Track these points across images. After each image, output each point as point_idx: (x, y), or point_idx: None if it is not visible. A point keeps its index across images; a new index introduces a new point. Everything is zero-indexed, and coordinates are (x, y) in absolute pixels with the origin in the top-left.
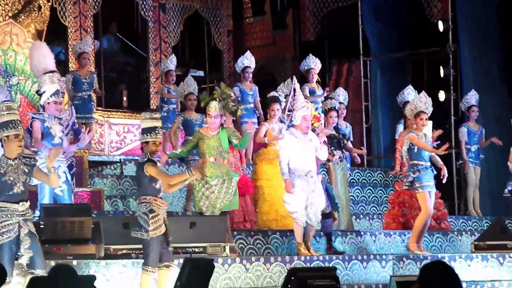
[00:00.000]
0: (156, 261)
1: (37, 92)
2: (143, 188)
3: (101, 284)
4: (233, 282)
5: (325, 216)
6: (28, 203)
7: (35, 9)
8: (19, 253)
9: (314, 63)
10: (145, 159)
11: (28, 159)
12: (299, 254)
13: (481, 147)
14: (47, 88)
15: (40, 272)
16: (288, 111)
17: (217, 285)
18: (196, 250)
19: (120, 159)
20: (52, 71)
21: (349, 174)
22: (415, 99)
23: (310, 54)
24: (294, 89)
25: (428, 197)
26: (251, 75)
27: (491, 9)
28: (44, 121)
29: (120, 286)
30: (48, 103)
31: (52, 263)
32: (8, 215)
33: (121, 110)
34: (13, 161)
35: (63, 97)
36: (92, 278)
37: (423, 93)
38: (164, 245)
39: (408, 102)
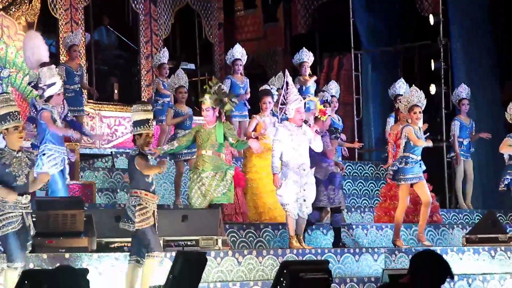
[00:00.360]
0: (158, 245)
1: (29, 83)
2: (135, 182)
3: (94, 277)
4: (225, 275)
5: (335, 210)
6: (30, 196)
7: (25, 1)
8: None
9: (307, 57)
10: (136, 152)
11: (29, 153)
12: (291, 247)
13: (471, 140)
14: (55, 80)
15: (20, 265)
16: (281, 104)
17: (209, 278)
18: (189, 243)
19: (111, 152)
20: (45, 63)
21: (350, 166)
22: (407, 93)
23: (304, 48)
24: (287, 82)
25: (407, 189)
26: (241, 68)
27: (482, 2)
28: (51, 112)
29: (113, 279)
30: (58, 94)
31: (44, 256)
32: (12, 207)
33: (112, 103)
34: (17, 153)
35: None
36: (85, 271)
37: (414, 87)
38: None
39: (399, 95)
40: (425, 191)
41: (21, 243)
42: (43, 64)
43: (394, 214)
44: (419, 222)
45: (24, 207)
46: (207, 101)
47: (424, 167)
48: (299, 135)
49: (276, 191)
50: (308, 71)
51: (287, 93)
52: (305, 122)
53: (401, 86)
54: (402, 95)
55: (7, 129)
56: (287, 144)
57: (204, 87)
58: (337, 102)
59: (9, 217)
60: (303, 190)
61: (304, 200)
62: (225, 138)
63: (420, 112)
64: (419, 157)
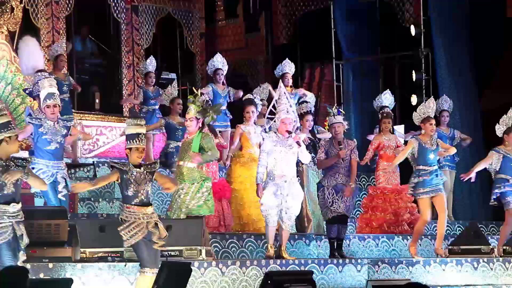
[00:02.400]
0: (148, 261)
1: (24, 90)
2: (122, 196)
3: (77, 287)
4: (209, 285)
5: (342, 220)
6: (20, 205)
7: (7, 10)
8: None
9: (289, 68)
10: (111, 166)
11: (20, 161)
12: (266, 254)
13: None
14: (41, 93)
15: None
16: (269, 114)
17: None
18: (172, 253)
19: (93, 162)
20: (42, 70)
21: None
22: (424, 105)
23: (287, 59)
24: (280, 93)
25: (427, 203)
26: (222, 77)
27: (462, 13)
28: (40, 126)
29: None
30: (44, 107)
31: (28, 266)
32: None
33: (93, 112)
34: (4, 162)
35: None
36: (69, 281)
37: (431, 99)
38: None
39: (385, 106)
40: (442, 206)
41: (11, 254)
42: (38, 71)
43: (375, 225)
44: (437, 238)
45: (13, 216)
46: (191, 111)
47: (444, 178)
48: (284, 146)
49: (259, 200)
50: (290, 82)
51: (278, 103)
52: (289, 132)
53: (386, 98)
54: (387, 106)
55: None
56: (271, 155)
57: (189, 97)
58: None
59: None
60: (285, 201)
61: (286, 213)
62: (202, 148)
63: (434, 124)
64: (435, 167)
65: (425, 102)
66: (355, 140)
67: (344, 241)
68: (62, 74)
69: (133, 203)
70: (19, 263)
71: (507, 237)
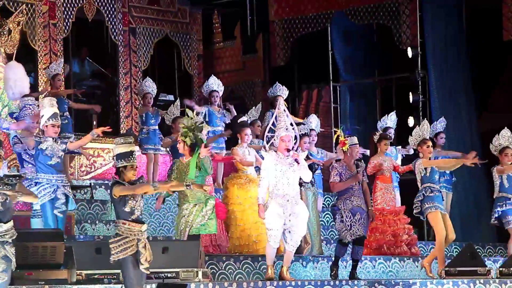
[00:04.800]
0: (132, 283)
1: (10, 115)
2: (116, 211)
3: None
4: None
5: (359, 242)
6: (9, 224)
7: (5, 33)
8: None
9: (281, 91)
10: (114, 181)
11: (11, 179)
12: (266, 277)
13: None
14: (45, 112)
15: None
16: (268, 132)
17: None
18: (169, 275)
19: (90, 183)
20: (28, 95)
21: (329, 198)
22: (419, 128)
23: (277, 82)
24: (278, 109)
25: (440, 215)
26: (217, 99)
27: (459, 35)
28: (40, 143)
29: None
30: (46, 126)
31: None
32: None
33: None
34: None
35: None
36: None
37: (426, 121)
38: (141, 267)
39: (389, 127)
40: (450, 226)
41: None
42: (24, 95)
43: (374, 246)
44: (431, 254)
45: (1, 236)
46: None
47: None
48: (284, 165)
49: (264, 216)
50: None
51: (278, 121)
52: (288, 150)
53: (391, 119)
54: (391, 128)
55: None
56: (272, 174)
57: (180, 124)
58: (316, 135)
59: None
60: (289, 221)
61: (289, 232)
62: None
63: (431, 146)
64: (438, 186)
65: (419, 126)
66: (362, 161)
67: (341, 262)
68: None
69: (129, 219)
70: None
71: None
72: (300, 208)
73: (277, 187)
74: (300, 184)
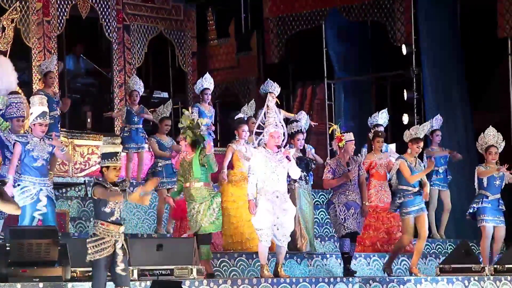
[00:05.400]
0: (102, 285)
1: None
2: (95, 212)
3: None
4: None
5: (352, 237)
6: None
7: None
8: None
9: (272, 88)
10: (95, 182)
11: None
12: (262, 276)
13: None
14: (34, 110)
15: None
16: (257, 128)
17: None
18: (163, 272)
19: (84, 181)
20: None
21: (323, 196)
22: (419, 126)
23: (268, 79)
24: (267, 106)
25: (411, 222)
26: (210, 97)
27: (453, 33)
28: (27, 143)
29: None
30: (34, 124)
31: (18, 285)
32: None
33: (85, 132)
34: None
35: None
36: None
37: (428, 123)
38: (117, 268)
39: (379, 125)
40: (424, 225)
41: None
42: (11, 93)
43: (367, 244)
44: (414, 255)
45: None
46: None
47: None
48: (274, 161)
49: (252, 218)
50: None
51: (266, 117)
52: (279, 147)
53: (382, 117)
54: (381, 125)
55: None
56: (261, 170)
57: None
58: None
59: None
60: (277, 218)
61: (278, 229)
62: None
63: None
64: (417, 188)
65: (419, 124)
66: (359, 155)
67: (335, 259)
68: (51, 91)
69: (109, 220)
70: None
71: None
72: (289, 205)
73: (267, 184)
74: (294, 181)
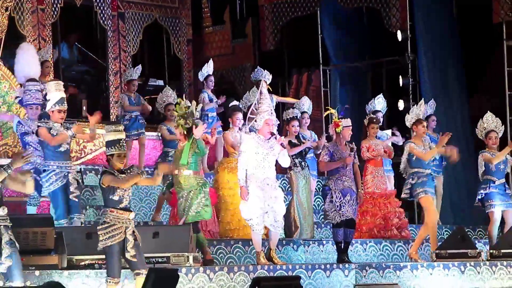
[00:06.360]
0: (116, 271)
1: (17, 98)
2: (104, 199)
3: None
4: None
5: (350, 225)
6: (6, 209)
7: None
8: None
9: (263, 75)
10: (103, 170)
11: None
12: (258, 263)
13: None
14: (52, 96)
15: (17, 284)
16: (251, 114)
17: None
18: (159, 260)
19: (80, 169)
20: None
21: (319, 182)
22: (415, 108)
23: (258, 67)
24: (261, 92)
25: (432, 200)
26: (212, 83)
27: (448, 18)
28: (50, 128)
29: None
30: (53, 111)
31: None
32: None
33: (80, 120)
34: None
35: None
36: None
37: (422, 102)
38: (127, 254)
39: (377, 111)
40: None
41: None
42: (28, 80)
43: (364, 230)
44: (416, 240)
45: (2, 220)
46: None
47: (436, 183)
48: (265, 148)
49: (240, 206)
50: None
51: (259, 103)
52: (272, 134)
53: (379, 102)
54: (380, 111)
55: None
56: (252, 157)
57: (174, 111)
58: (309, 118)
59: None
60: (267, 205)
61: (269, 216)
62: (195, 154)
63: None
64: (429, 170)
65: (417, 105)
66: (353, 143)
67: (332, 245)
68: (47, 80)
69: (118, 207)
70: (1, 270)
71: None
72: (278, 192)
73: (257, 170)
74: (290, 168)
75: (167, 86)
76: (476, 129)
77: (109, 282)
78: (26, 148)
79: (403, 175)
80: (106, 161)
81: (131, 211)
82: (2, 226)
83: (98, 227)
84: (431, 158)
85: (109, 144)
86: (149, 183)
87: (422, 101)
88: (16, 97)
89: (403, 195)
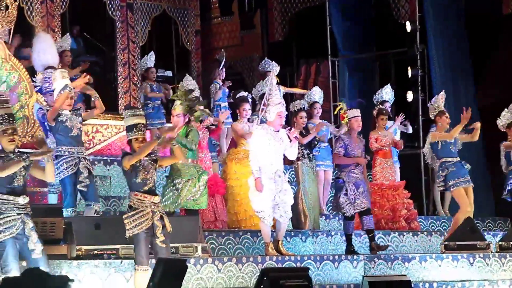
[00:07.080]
0: (144, 258)
1: (36, 88)
2: (128, 183)
3: (73, 285)
4: (205, 282)
5: (364, 213)
6: (28, 198)
7: (2, 8)
8: (29, 248)
9: (270, 66)
10: (123, 154)
11: (24, 154)
12: (267, 254)
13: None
14: (57, 84)
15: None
16: (263, 105)
17: (189, 285)
18: None
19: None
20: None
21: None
22: (436, 100)
23: (266, 58)
24: (272, 84)
25: (462, 192)
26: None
27: (457, 9)
28: (60, 114)
29: (92, 286)
30: (71, 98)
31: (24, 263)
32: (8, 209)
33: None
34: (13, 154)
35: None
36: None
37: (442, 93)
38: (156, 240)
39: (385, 101)
40: (470, 198)
41: (16, 252)
42: (47, 67)
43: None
44: (451, 228)
45: (23, 208)
46: (177, 108)
47: (467, 166)
48: (276, 140)
49: (250, 197)
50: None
51: (270, 95)
52: (285, 127)
53: (387, 92)
54: (387, 101)
55: None
56: (265, 148)
57: (174, 95)
58: (320, 108)
59: (6, 221)
60: (278, 197)
61: (279, 208)
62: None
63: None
64: (458, 158)
65: (424, 101)
66: (361, 135)
67: (340, 237)
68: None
69: (141, 190)
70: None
71: None
72: (287, 185)
73: (269, 163)
74: (297, 158)
75: (187, 74)
76: (498, 119)
77: (138, 270)
78: (48, 135)
79: (430, 165)
80: (129, 146)
81: (157, 195)
82: (23, 214)
83: (124, 216)
84: (456, 135)
85: (128, 129)
86: (172, 161)
87: (443, 92)
88: (35, 86)
89: (439, 189)
